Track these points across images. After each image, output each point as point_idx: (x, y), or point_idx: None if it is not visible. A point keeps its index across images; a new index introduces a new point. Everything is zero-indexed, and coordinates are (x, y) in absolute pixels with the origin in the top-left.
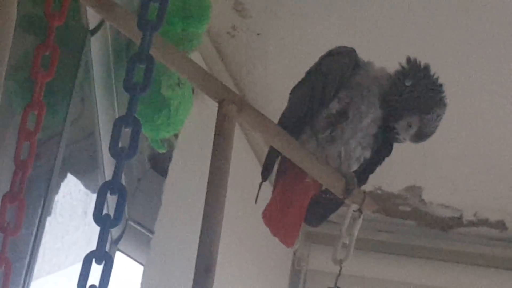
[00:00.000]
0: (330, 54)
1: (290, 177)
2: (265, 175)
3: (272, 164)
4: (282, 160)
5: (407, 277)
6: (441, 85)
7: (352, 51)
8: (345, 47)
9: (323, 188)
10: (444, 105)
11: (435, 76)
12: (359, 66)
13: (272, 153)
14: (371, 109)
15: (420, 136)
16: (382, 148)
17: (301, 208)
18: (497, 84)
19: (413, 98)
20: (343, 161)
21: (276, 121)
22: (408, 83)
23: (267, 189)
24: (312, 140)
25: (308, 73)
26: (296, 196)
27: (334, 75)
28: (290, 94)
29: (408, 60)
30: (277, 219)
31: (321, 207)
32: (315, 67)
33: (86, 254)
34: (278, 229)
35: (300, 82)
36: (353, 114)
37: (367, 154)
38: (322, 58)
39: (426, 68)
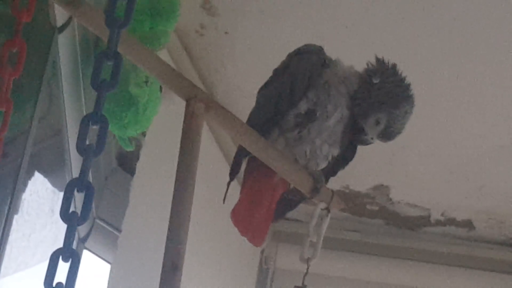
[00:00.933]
0: (298, 52)
1: (258, 177)
2: (233, 174)
3: (240, 164)
4: (250, 160)
5: (375, 276)
6: (409, 84)
7: (320, 49)
8: (313, 45)
9: (291, 187)
10: (412, 102)
11: (403, 75)
12: (326, 65)
13: (240, 153)
14: (338, 108)
15: (388, 133)
16: (346, 151)
17: (270, 208)
18: (465, 84)
19: (381, 95)
20: (310, 160)
21: (244, 119)
22: (376, 80)
23: (236, 189)
24: (280, 139)
25: (276, 72)
26: (265, 196)
27: (303, 74)
28: (258, 94)
29: (376, 59)
30: (245, 219)
31: (282, 204)
32: (283, 66)
33: (53, 252)
34: (247, 229)
35: (267, 81)
36: (319, 113)
37: (335, 151)
38: (290, 57)
39: (394, 66)
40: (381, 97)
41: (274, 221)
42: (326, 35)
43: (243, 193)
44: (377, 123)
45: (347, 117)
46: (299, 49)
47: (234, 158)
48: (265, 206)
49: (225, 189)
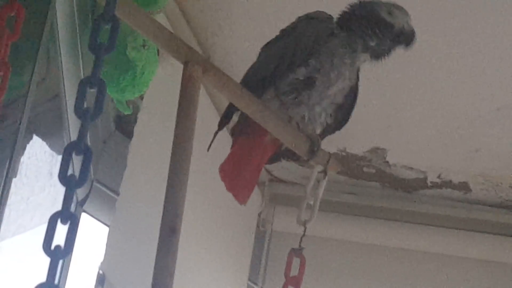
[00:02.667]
0: (308, 17)
1: (249, 135)
2: (221, 125)
3: (231, 116)
4: (242, 117)
5: (371, 238)
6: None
7: (330, 18)
8: (324, 12)
9: (283, 148)
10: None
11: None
12: (334, 34)
13: (233, 106)
14: (340, 78)
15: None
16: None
17: (258, 167)
18: (461, 47)
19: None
20: (307, 124)
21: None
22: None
23: (230, 143)
24: (275, 100)
25: (282, 32)
26: (254, 154)
27: (307, 39)
28: (261, 50)
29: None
30: (232, 175)
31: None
32: (291, 27)
33: (52, 215)
34: (233, 185)
35: (271, 40)
36: (321, 81)
37: (330, 120)
38: (300, 20)
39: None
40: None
41: (269, 163)
42: (325, 1)
43: (233, 149)
44: (389, 13)
45: (348, 89)
46: (309, 14)
47: (226, 109)
48: (253, 165)
49: (222, 153)
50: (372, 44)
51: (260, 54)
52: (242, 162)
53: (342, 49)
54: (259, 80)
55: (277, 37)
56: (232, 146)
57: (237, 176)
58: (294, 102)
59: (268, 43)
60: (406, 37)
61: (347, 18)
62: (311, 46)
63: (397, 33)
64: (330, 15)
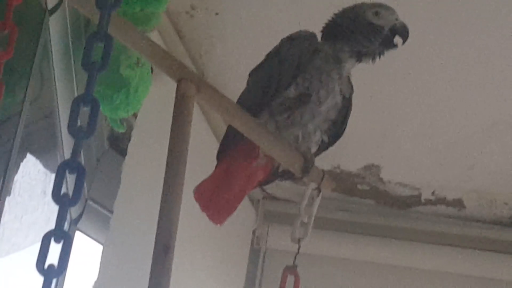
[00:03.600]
0: (290, 38)
1: (237, 160)
2: (219, 157)
3: (228, 147)
4: (234, 142)
5: (366, 255)
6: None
7: (313, 35)
8: (305, 31)
9: (280, 169)
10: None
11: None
12: (318, 50)
13: (228, 137)
14: (330, 94)
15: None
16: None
17: (242, 192)
18: (455, 65)
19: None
20: (301, 143)
21: (235, 100)
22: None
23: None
24: (270, 122)
25: (267, 56)
26: (239, 178)
27: (292, 60)
28: (249, 77)
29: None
30: (210, 197)
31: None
32: (275, 50)
33: (45, 234)
34: (207, 206)
35: (258, 65)
36: (312, 99)
37: (326, 137)
38: (282, 42)
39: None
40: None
41: (264, 185)
42: (317, 16)
43: (216, 171)
44: (376, 14)
45: (341, 104)
46: (291, 35)
47: (222, 140)
48: (236, 189)
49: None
50: (361, 49)
51: (248, 80)
52: (224, 184)
53: (328, 64)
54: (251, 105)
55: (262, 61)
56: (216, 168)
57: (214, 198)
58: (287, 123)
59: (254, 68)
60: (401, 34)
61: (331, 28)
62: (296, 66)
63: (390, 33)
64: (312, 32)
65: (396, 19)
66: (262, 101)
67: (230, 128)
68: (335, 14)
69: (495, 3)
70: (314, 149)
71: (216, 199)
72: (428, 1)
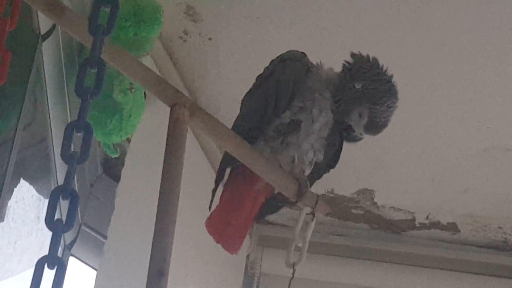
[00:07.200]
0: (282, 59)
1: (239, 185)
2: (218, 181)
3: (225, 171)
4: (232, 168)
5: (360, 280)
6: (391, 76)
7: (303, 55)
8: (296, 51)
9: (276, 192)
10: (394, 94)
11: (383, 68)
12: (310, 70)
13: (225, 161)
14: (323, 113)
15: (373, 126)
16: (331, 155)
17: (248, 216)
18: (447, 90)
19: (363, 93)
20: (296, 166)
21: (228, 125)
22: (358, 85)
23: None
24: (266, 147)
25: (259, 79)
26: (244, 204)
27: (287, 82)
28: (242, 101)
29: (353, 55)
30: (221, 227)
31: (264, 206)
32: (267, 73)
33: (38, 259)
34: (222, 237)
35: (251, 89)
36: (305, 119)
37: (320, 157)
38: (274, 64)
39: (371, 60)
40: (362, 95)
41: (255, 222)
42: (309, 40)
43: (221, 200)
44: (360, 116)
45: (332, 122)
46: (282, 56)
47: (219, 165)
48: (243, 214)
49: (210, 195)
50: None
51: (242, 105)
52: (232, 212)
53: (320, 83)
54: (246, 130)
55: (255, 85)
56: (221, 198)
57: (225, 227)
58: (281, 146)
59: (248, 92)
60: (371, 128)
61: (343, 66)
62: (292, 88)
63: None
64: (302, 52)
65: (368, 122)
66: (257, 127)
67: (227, 152)
68: (353, 55)
69: (487, 29)
70: (308, 171)
71: (228, 229)
72: (423, 27)
